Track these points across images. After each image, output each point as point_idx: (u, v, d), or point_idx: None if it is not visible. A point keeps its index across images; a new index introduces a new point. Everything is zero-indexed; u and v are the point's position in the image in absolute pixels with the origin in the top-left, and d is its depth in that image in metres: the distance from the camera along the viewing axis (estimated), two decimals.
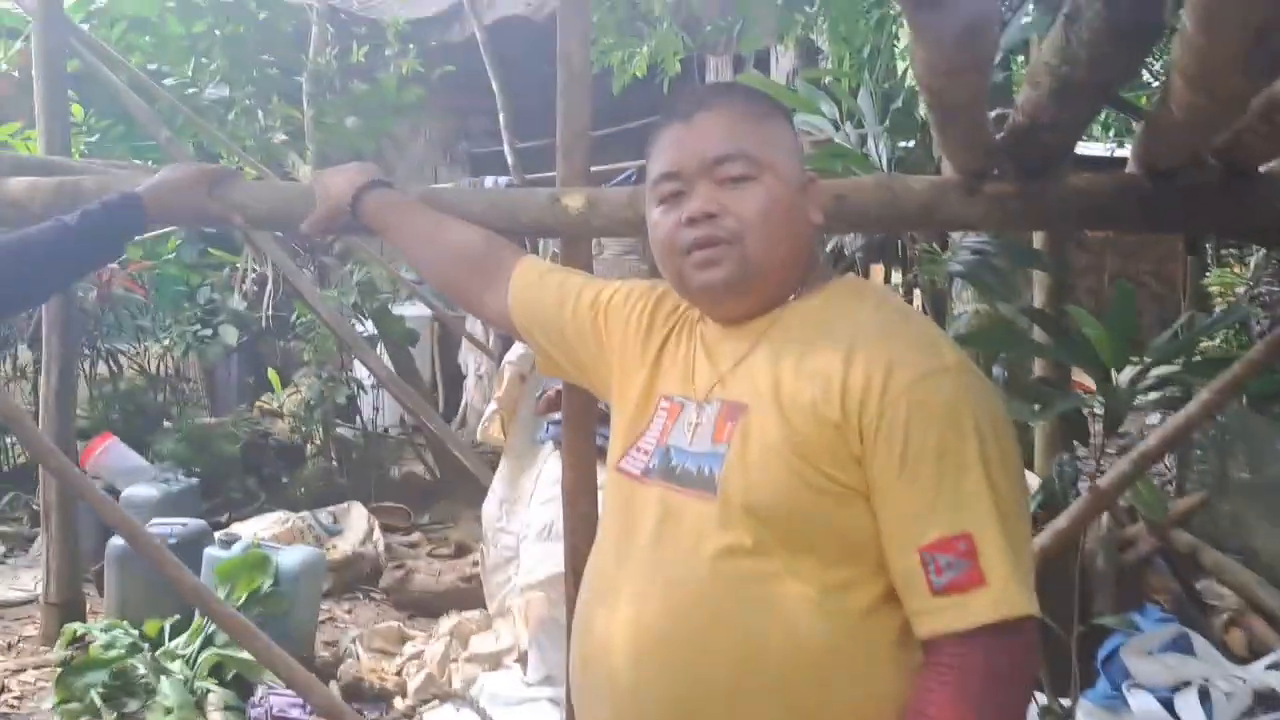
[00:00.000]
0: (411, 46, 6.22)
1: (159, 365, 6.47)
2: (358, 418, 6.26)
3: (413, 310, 6.32)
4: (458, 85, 7.09)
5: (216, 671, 3.40)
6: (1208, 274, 6.58)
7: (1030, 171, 1.52)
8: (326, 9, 6.28)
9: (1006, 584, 1.07)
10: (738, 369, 1.24)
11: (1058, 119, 1.27)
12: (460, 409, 7.34)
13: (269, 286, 5.19)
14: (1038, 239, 3.20)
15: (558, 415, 3.58)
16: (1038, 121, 1.31)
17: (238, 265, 5.57)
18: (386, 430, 6.89)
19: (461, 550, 5.02)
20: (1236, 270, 5.80)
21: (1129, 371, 2.39)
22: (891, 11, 4.94)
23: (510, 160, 5.38)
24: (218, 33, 5.45)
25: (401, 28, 6.03)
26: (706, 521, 1.18)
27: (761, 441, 1.16)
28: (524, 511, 3.69)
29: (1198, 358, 2.81)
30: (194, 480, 5.21)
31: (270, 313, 5.14)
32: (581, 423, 1.88)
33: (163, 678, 3.37)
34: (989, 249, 2.45)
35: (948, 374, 1.13)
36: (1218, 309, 6.18)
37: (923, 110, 2.53)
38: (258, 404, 6.84)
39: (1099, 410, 2.49)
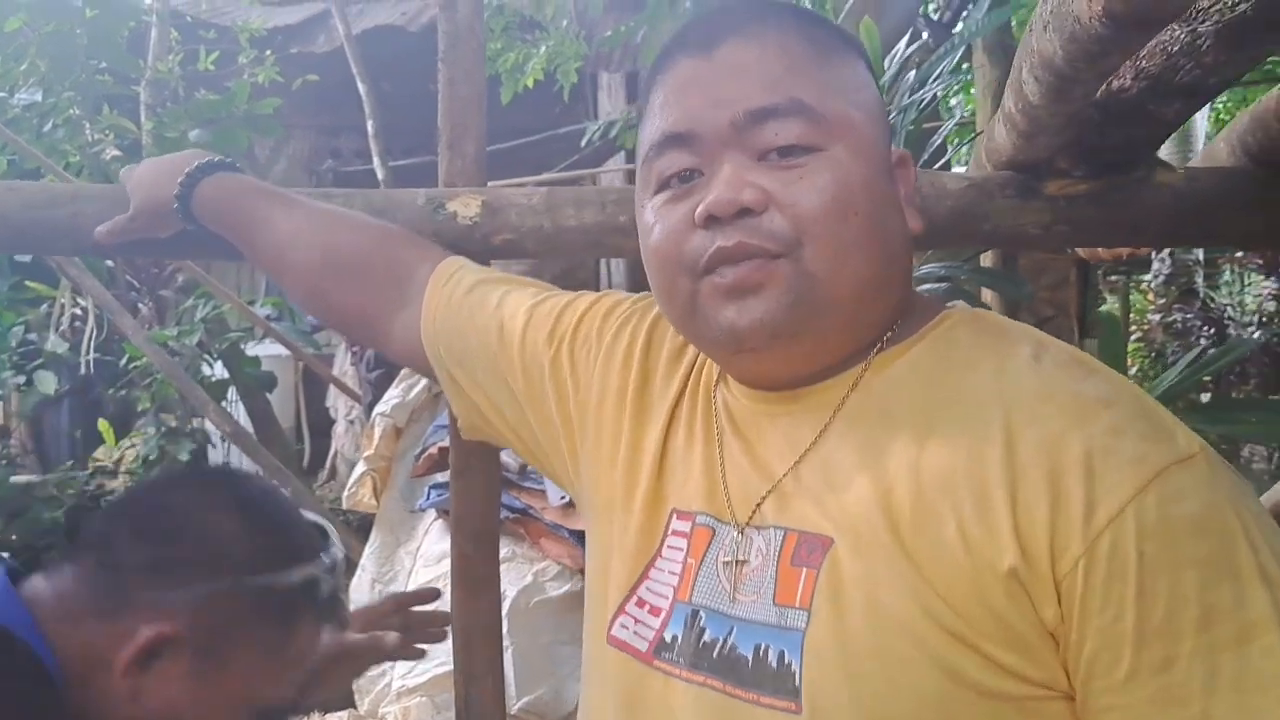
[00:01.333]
0: (269, 54, 5.59)
1: None
2: None
3: (270, 350, 5.62)
4: (324, 100, 6.48)
5: None
6: (1103, 298, 6.53)
7: (1108, 166, 1.09)
8: (169, 11, 5.59)
9: None
10: (802, 470, 0.77)
11: (1214, 69, 0.82)
12: (328, 459, 6.63)
13: (90, 325, 4.43)
14: (986, 259, 2.83)
15: (442, 477, 3.04)
16: (1171, 80, 0.87)
17: (60, 299, 4.79)
18: None
19: None
20: (1150, 297, 5.66)
21: None
22: None
23: (380, 177, 4.80)
24: (35, 33, 4.70)
25: (256, 32, 5.39)
26: None
27: (871, 606, 0.69)
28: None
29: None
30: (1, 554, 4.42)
31: (92, 356, 4.39)
32: (472, 516, 1.34)
33: None
34: (959, 273, 2.04)
35: (1191, 470, 0.66)
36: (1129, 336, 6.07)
37: None
38: (92, 460, 6.00)
39: None
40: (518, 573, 2.80)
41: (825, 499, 0.74)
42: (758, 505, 0.78)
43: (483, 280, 1.06)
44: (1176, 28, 0.84)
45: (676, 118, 0.78)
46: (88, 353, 4.35)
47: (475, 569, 1.31)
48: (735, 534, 0.78)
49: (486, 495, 1.33)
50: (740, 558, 0.76)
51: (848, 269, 0.75)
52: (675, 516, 0.83)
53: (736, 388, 0.85)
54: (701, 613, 0.77)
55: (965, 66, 2.97)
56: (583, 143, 5.14)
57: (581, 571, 2.80)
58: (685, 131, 0.77)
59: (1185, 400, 2.17)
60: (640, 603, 0.82)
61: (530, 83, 4.56)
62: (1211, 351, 2.04)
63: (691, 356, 0.91)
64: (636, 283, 5.92)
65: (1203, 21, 0.79)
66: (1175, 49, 0.83)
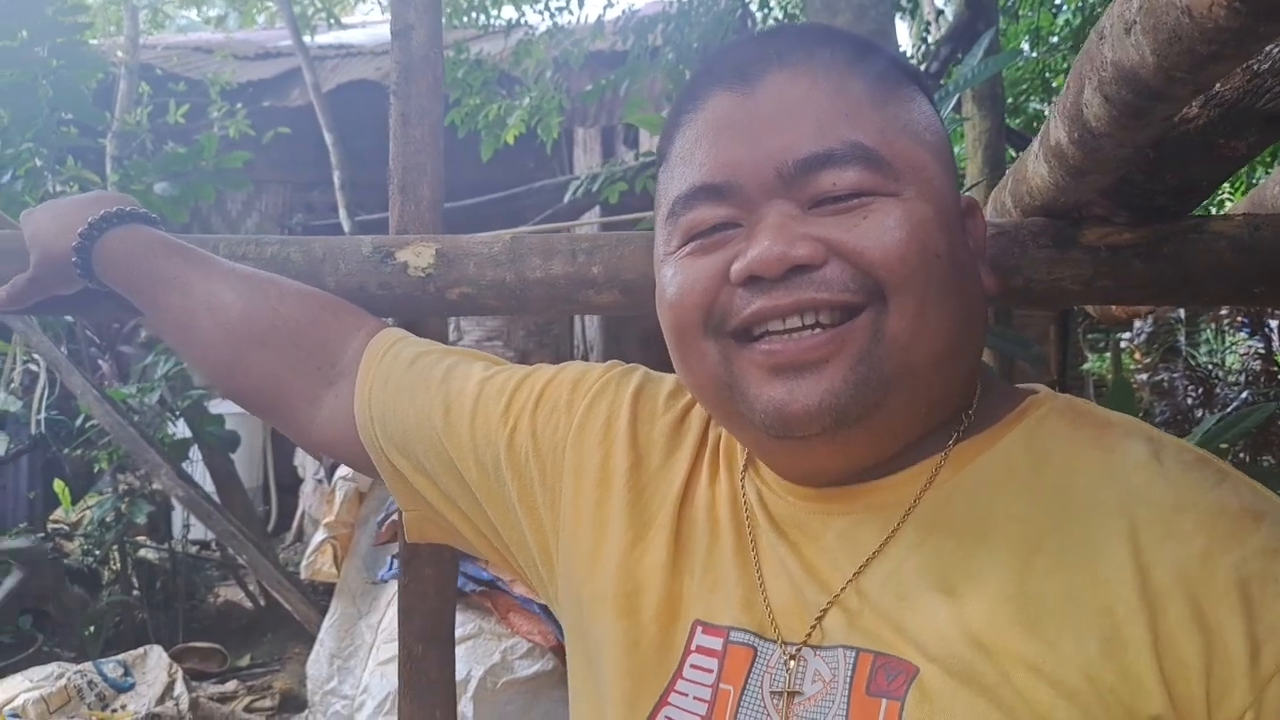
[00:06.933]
0: (240, 108, 5.48)
1: None
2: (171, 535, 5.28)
3: (235, 407, 5.42)
4: (296, 155, 6.37)
5: None
6: (1089, 357, 6.44)
7: (1156, 212, 0.95)
8: (139, 64, 5.48)
9: None
10: (866, 583, 0.64)
11: None
12: (295, 520, 6.40)
13: (41, 382, 4.23)
14: None
15: None
16: (1252, 106, 0.73)
17: (17, 356, 4.59)
18: (204, 547, 5.88)
19: (288, 703, 4.12)
20: (1137, 356, 5.57)
21: None
22: None
23: (346, 230, 4.65)
24: None
25: (227, 85, 5.28)
26: None
27: None
28: (360, 670, 2.89)
29: None
30: None
31: (43, 414, 4.17)
32: (422, 611, 1.16)
33: None
34: None
35: None
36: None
37: None
38: (49, 522, 5.74)
39: None
40: (484, 650, 2.60)
41: (904, 620, 0.61)
42: (817, 621, 0.64)
43: (425, 353, 0.91)
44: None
45: (711, 168, 0.66)
46: (39, 411, 4.14)
47: (426, 673, 1.13)
48: (783, 656, 0.64)
49: (440, 586, 1.16)
50: (793, 688, 0.62)
51: (928, 329, 0.62)
52: (700, 630, 0.69)
53: (774, 479, 0.71)
54: None
55: (955, 118, 2.89)
56: (566, 197, 5.05)
57: (554, 650, 2.61)
58: (723, 183, 0.65)
59: None
60: None
61: (511, 138, 4.44)
62: (1229, 416, 1.89)
63: (697, 432, 0.78)
64: (611, 334, 5.76)
65: None
66: (1265, 66, 0.69)
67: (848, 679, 0.61)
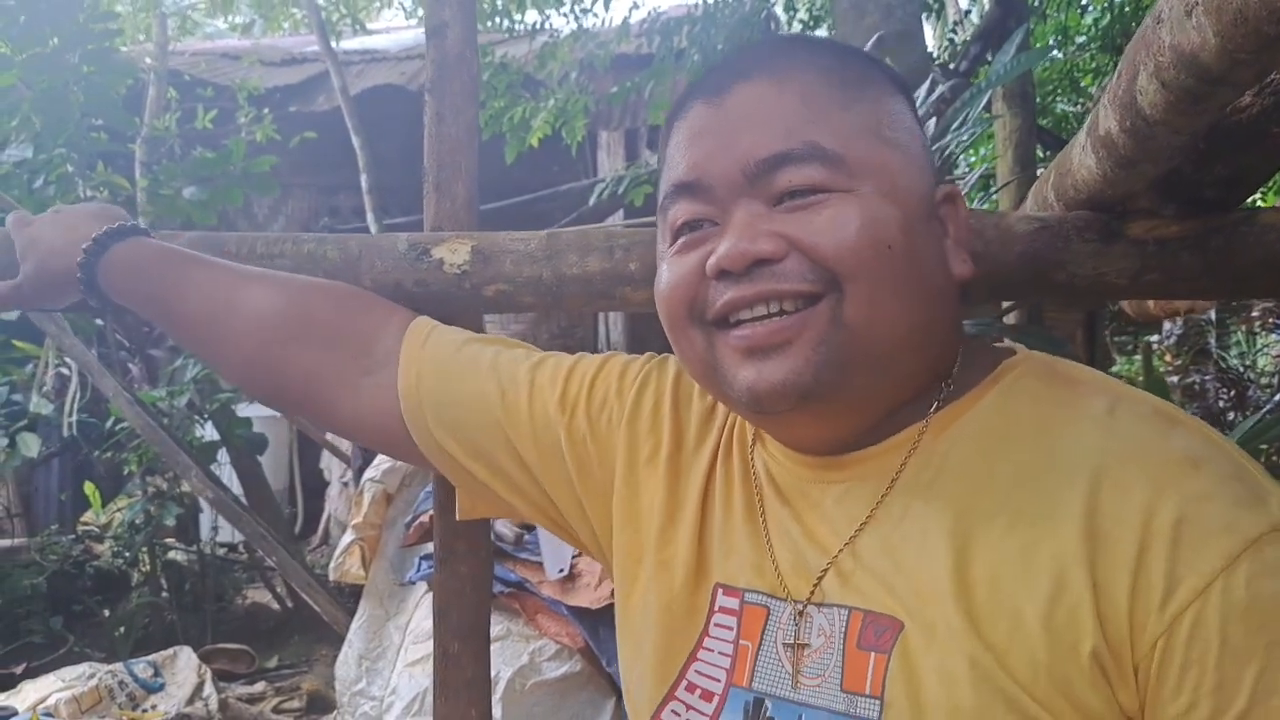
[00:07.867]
0: (267, 113, 5.51)
1: None
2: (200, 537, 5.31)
3: (262, 410, 5.45)
4: (322, 159, 6.41)
5: None
6: (1117, 359, 6.37)
7: (1204, 204, 0.93)
8: (168, 70, 5.53)
9: None
10: (860, 546, 0.72)
11: None
12: (321, 523, 6.43)
13: (73, 386, 4.27)
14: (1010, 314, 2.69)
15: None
16: None
17: (49, 360, 4.63)
18: (232, 549, 5.92)
19: (316, 704, 4.14)
20: (1168, 358, 5.51)
21: None
22: None
23: (374, 233, 4.67)
24: (29, 89, 4.62)
25: (254, 91, 5.32)
26: None
27: (950, 698, 0.64)
28: (389, 672, 2.90)
29: None
30: None
31: (75, 417, 4.21)
32: (459, 609, 1.16)
33: None
34: (987, 330, 1.90)
35: None
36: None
37: None
38: (79, 524, 5.80)
39: None
40: (513, 652, 2.60)
41: (892, 579, 0.68)
42: (817, 581, 0.72)
43: (469, 340, 0.95)
44: None
45: (686, 168, 0.74)
46: (72, 414, 4.18)
47: (461, 671, 1.13)
48: (792, 613, 0.72)
49: (475, 585, 1.15)
50: (801, 640, 0.71)
51: (886, 317, 0.68)
52: (721, 592, 0.77)
53: (777, 449, 0.78)
54: (768, 702, 0.71)
55: (985, 116, 2.86)
56: (591, 200, 5.05)
57: (581, 652, 2.60)
58: (694, 181, 0.73)
59: None
60: (691, 687, 0.75)
61: (535, 141, 4.46)
62: (1265, 419, 1.86)
63: (724, 414, 0.85)
64: (636, 336, 5.76)
65: None
66: None
67: (841, 634, 0.69)
